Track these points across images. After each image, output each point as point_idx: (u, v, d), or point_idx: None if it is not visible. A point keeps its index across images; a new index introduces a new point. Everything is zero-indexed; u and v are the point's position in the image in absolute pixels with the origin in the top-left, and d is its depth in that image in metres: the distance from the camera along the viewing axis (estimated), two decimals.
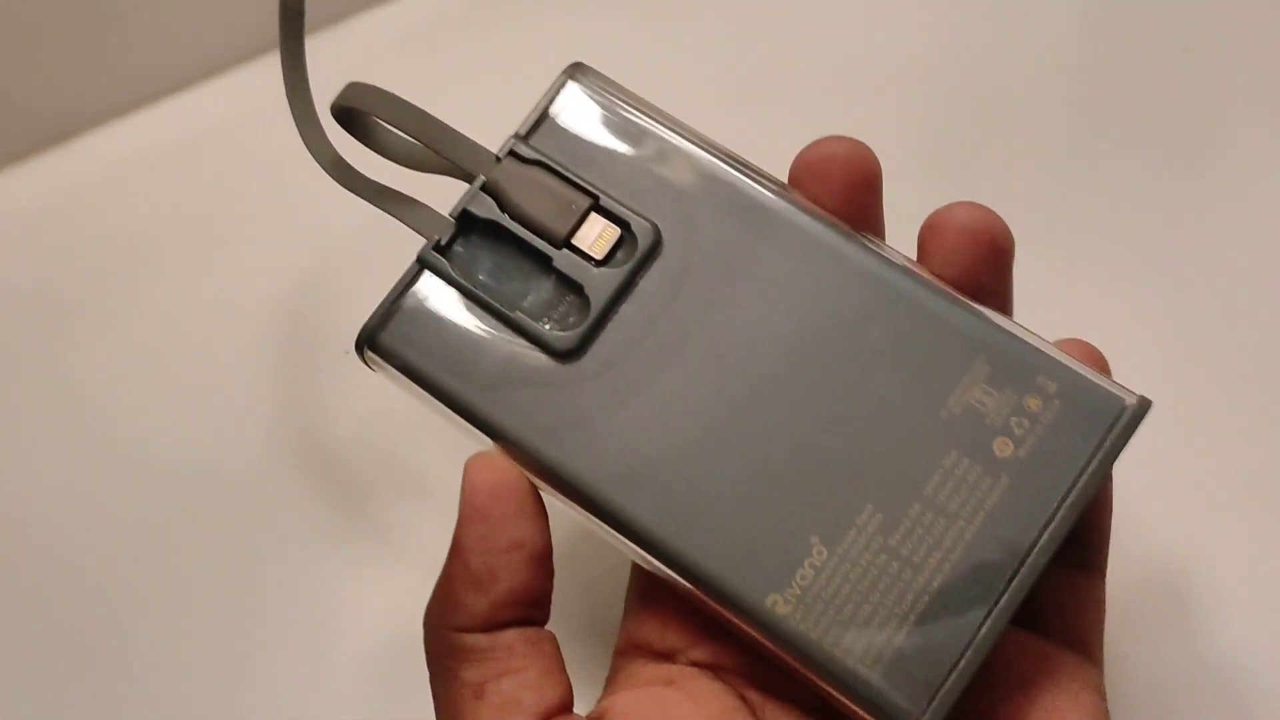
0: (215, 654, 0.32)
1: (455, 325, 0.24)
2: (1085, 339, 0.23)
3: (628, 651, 0.25)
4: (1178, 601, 0.29)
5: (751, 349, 0.23)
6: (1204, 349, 0.33)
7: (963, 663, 0.21)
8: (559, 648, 0.23)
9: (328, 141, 0.26)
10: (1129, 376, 0.23)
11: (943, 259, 0.23)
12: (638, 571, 0.26)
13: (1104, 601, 0.24)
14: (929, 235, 0.23)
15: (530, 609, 0.23)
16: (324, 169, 0.27)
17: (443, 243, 0.24)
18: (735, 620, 0.22)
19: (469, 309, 0.24)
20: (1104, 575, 0.24)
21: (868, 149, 0.24)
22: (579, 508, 0.23)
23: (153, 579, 0.33)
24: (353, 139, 0.26)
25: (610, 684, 0.25)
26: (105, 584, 0.33)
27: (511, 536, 0.23)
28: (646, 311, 0.23)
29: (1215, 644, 0.28)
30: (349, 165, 0.26)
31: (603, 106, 0.25)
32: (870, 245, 0.23)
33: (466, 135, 0.25)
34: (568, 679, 0.23)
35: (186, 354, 0.36)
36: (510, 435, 0.23)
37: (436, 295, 0.24)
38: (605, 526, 0.23)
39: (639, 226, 0.24)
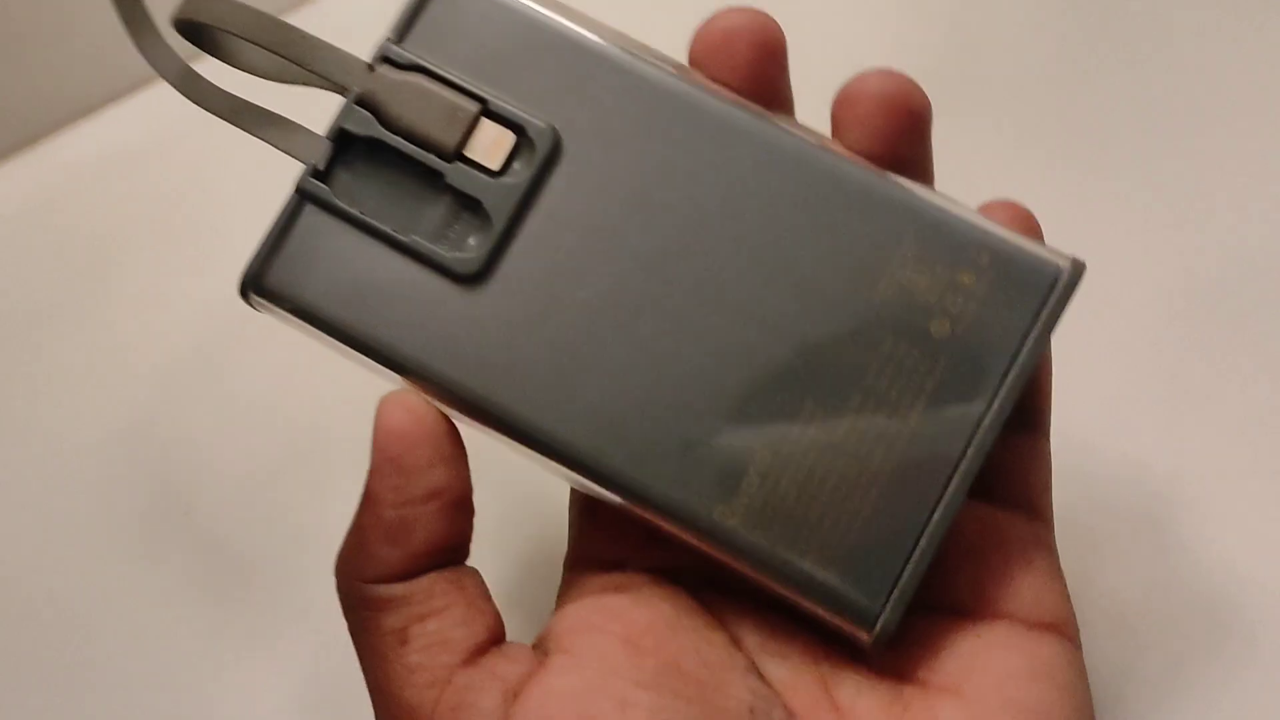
0: None
1: (346, 258, 0.22)
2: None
3: (576, 565, 0.24)
4: (1140, 519, 0.29)
5: (668, 248, 0.22)
6: (1173, 259, 0.32)
7: (918, 552, 0.21)
8: (483, 581, 0.23)
9: (173, 52, 0.24)
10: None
11: (859, 132, 0.22)
12: (578, 497, 0.25)
13: (1049, 461, 0.24)
14: (842, 108, 0.22)
15: (449, 554, 0.22)
16: (170, 83, 0.24)
17: (321, 168, 0.22)
18: (683, 535, 0.21)
19: (359, 239, 0.22)
20: (1047, 437, 0.24)
21: (770, 19, 0.22)
22: (505, 437, 0.22)
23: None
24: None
25: (560, 600, 0.24)
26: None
27: (428, 485, 0.21)
28: (553, 221, 0.22)
29: (1183, 561, 0.28)
30: (200, 78, 0.24)
31: (481, 1, 0.22)
32: (783, 126, 0.22)
33: (331, 44, 0.22)
34: (495, 610, 0.22)
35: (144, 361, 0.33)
36: (420, 368, 0.22)
37: (322, 227, 0.22)
38: (535, 454, 0.22)
39: (534, 129, 0.22)
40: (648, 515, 0.21)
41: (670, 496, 0.21)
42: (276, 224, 0.22)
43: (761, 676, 0.22)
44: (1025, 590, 0.22)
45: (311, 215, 0.22)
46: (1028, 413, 0.23)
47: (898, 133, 0.22)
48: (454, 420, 0.22)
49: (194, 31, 0.23)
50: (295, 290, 0.22)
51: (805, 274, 0.21)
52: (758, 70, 0.22)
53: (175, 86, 0.24)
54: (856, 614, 0.21)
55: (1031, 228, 0.22)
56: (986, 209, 0.22)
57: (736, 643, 0.23)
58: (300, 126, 0.23)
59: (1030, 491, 0.23)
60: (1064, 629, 0.22)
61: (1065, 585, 0.22)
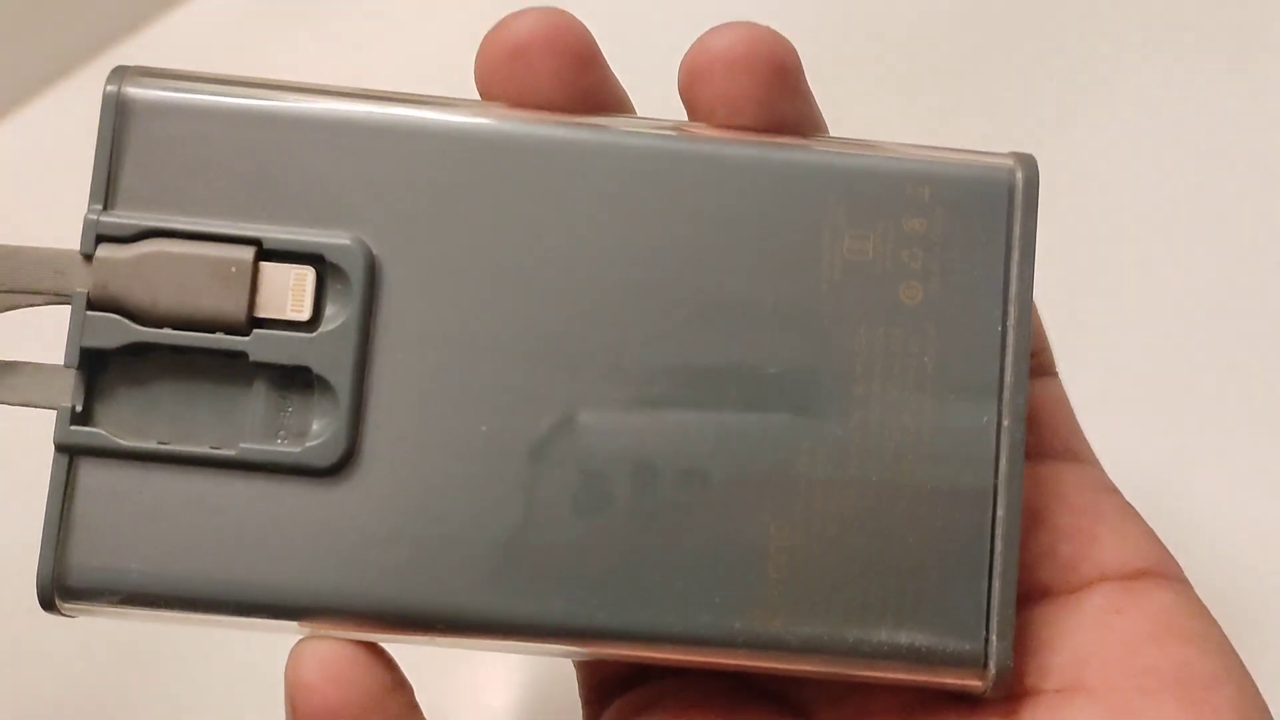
0: None
1: (165, 507, 0.16)
2: None
3: (599, 689, 0.20)
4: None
5: (559, 327, 0.17)
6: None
7: (998, 562, 0.17)
8: None
9: None
10: None
11: (723, 105, 0.17)
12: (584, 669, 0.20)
13: (1068, 401, 0.20)
14: (693, 84, 0.17)
15: None
16: None
17: (78, 408, 0.16)
18: (723, 661, 0.17)
19: (171, 477, 0.16)
20: (1056, 375, 0.20)
21: (564, 14, 0.17)
22: (454, 638, 0.17)
23: None
24: None
25: None
26: None
27: None
28: (405, 351, 0.17)
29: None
30: None
31: (184, 112, 0.17)
32: (625, 128, 0.17)
33: (22, 246, 0.17)
34: None
35: None
36: (320, 603, 0.16)
37: (114, 483, 0.16)
38: (498, 642, 0.17)
39: (335, 251, 0.16)
40: (672, 656, 0.17)
41: (691, 626, 0.16)
42: (51, 503, 0.16)
43: None
44: (1107, 541, 0.18)
45: (93, 473, 0.16)
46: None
47: (770, 92, 0.17)
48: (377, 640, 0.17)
49: None
50: (116, 577, 0.16)
51: (728, 296, 0.17)
52: (568, 76, 0.17)
53: None
54: (961, 664, 0.17)
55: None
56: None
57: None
58: (25, 365, 0.17)
59: (1060, 436, 0.19)
60: (1164, 569, 0.19)
61: (1144, 521, 0.19)
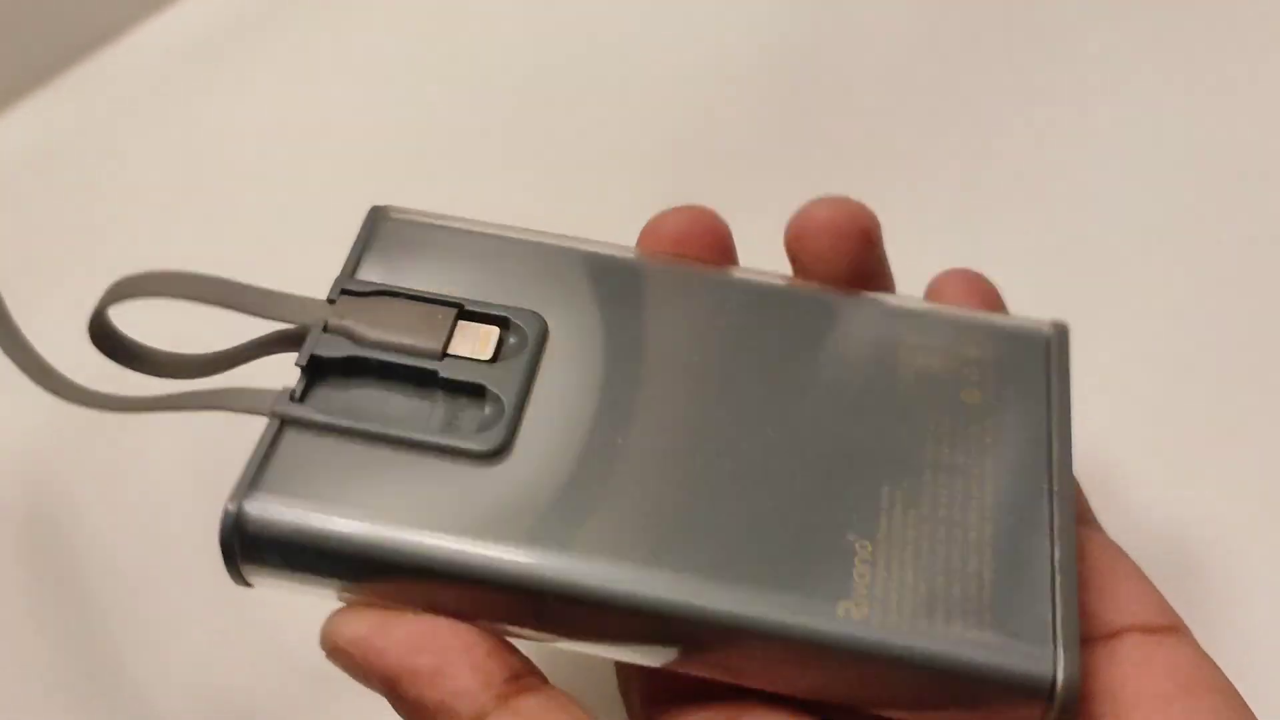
0: None
1: (349, 469, 0.19)
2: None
3: (655, 703, 0.20)
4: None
5: (690, 391, 0.21)
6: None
7: (1059, 580, 0.19)
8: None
9: (75, 384, 0.22)
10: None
11: (823, 263, 0.23)
12: (640, 683, 0.21)
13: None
14: (798, 244, 0.23)
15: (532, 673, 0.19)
16: (93, 407, 0.22)
17: (297, 395, 0.20)
18: (810, 652, 0.18)
19: (362, 448, 0.20)
20: None
21: (704, 211, 0.23)
22: (560, 624, 0.19)
23: None
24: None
25: None
26: None
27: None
28: (562, 391, 0.21)
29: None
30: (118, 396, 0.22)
31: (422, 230, 0.23)
32: (746, 275, 0.23)
33: (285, 292, 0.22)
34: None
35: None
36: (468, 565, 0.19)
37: (311, 450, 0.20)
38: (624, 630, 0.19)
39: (520, 316, 0.21)
40: (757, 650, 0.18)
41: (787, 612, 0.18)
42: (253, 458, 0.19)
43: None
44: (1129, 597, 0.20)
45: (296, 440, 0.20)
46: None
47: (856, 255, 0.23)
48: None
49: (108, 340, 0.22)
50: (294, 518, 0.19)
51: (827, 386, 0.21)
52: (706, 250, 0.23)
53: (102, 407, 0.22)
54: (1030, 679, 0.18)
55: (988, 294, 0.23)
56: (946, 280, 0.23)
57: None
58: (248, 390, 0.21)
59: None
60: (1179, 624, 0.20)
61: (1151, 581, 0.21)
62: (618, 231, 0.24)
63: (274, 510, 0.19)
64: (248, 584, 0.20)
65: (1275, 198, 0.34)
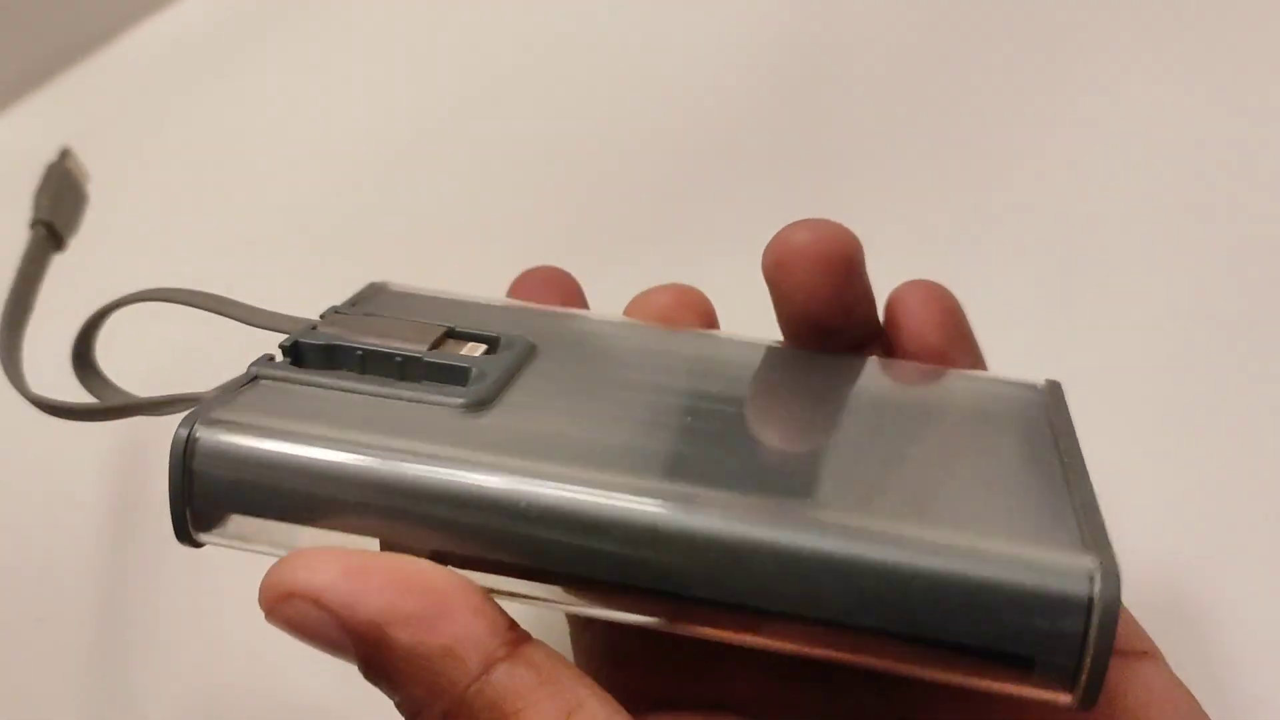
0: None
1: (325, 400, 0.19)
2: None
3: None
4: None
5: (671, 425, 0.20)
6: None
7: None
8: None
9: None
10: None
11: (802, 293, 0.22)
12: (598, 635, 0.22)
13: None
14: (778, 272, 0.22)
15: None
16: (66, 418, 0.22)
17: (276, 361, 0.21)
18: (823, 571, 0.17)
19: (340, 391, 0.20)
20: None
21: (688, 289, 0.24)
22: (564, 552, 0.17)
23: None
24: None
25: None
26: None
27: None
28: (543, 383, 0.21)
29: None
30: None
31: (419, 297, 0.24)
32: (730, 335, 0.24)
33: (277, 312, 0.22)
34: None
35: None
36: (474, 490, 0.17)
37: (285, 388, 0.20)
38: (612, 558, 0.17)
39: (507, 337, 0.22)
40: (756, 571, 0.17)
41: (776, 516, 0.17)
42: (221, 395, 0.19)
43: None
44: None
45: (269, 384, 0.20)
46: None
47: (837, 284, 0.21)
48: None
49: (85, 354, 0.22)
50: (259, 418, 0.18)
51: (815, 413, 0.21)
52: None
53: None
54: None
55: (947, 304, 0.22)
56: (907, 290, 0.22)
57: None
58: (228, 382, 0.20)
59: (1140, 637, 0.21)
60: (1154, 653, 0.20)
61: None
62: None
63: (231, 438, 0.18)
64: (195, 541, 0.18)
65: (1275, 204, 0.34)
